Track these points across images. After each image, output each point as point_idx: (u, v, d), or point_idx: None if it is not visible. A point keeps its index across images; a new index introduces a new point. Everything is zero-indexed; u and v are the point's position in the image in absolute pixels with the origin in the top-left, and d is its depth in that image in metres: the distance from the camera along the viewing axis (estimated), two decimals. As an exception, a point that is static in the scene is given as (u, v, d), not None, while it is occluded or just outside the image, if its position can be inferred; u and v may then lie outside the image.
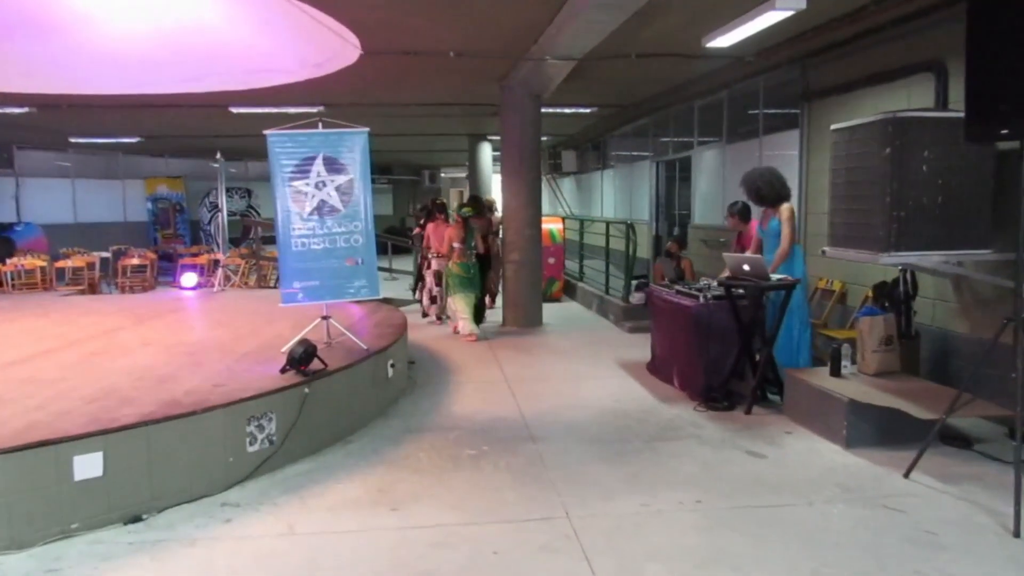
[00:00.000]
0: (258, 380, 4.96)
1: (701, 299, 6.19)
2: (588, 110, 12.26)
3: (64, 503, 3.83)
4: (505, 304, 9.93)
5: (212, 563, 3.57)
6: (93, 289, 11.33)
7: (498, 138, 15.98)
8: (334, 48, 7.80)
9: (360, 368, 5.61)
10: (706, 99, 10.46)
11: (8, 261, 11.56)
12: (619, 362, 7.80)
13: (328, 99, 10.75)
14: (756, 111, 9.19)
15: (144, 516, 4.04)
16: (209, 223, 17.26)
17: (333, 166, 5.84)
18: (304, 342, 5.19)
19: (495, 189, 17.01)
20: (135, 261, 11.80)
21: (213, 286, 10.57)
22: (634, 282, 9.76)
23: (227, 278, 10.95)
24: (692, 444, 5.20)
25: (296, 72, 8.76)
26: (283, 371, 5.10)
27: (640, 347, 8.22)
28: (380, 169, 20.93)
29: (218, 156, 10.06)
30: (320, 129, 5.84)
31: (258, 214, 18.23)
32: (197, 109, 11.28)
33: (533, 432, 5.50)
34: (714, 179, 10.40)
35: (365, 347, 5.85)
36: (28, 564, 3.55)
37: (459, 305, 8.98)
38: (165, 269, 14.04)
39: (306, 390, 4.97)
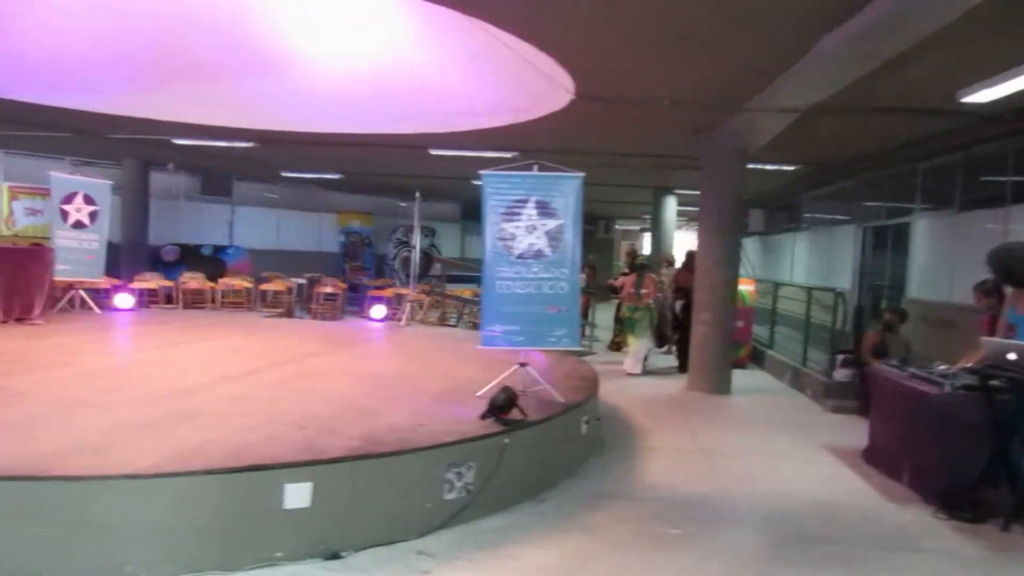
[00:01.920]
0: (457, 424, 4.79)
1: (947, 387, 5.36)
2: (790, 168, 11.53)
3: (271, 531, 3.77)
4: (692, 367, 9.34)
5: (410, 620, 3.34)
6: (288, 313, 11.96)
7: (684, 192, 15.63)
8: (541, 92, 7.75)
9: (556, 422, 5.32)
10: (934, 161, 9.47)
11: (220, 280, 12.50)
12: (825, 445, 6.98)
13: (520, 145, 10.81)
14: (999, 177, 8.17)
15: (343, 554, 3.91)
16: (394, 258, 18.02)
17: (545, 210, 5.68)
18: (506, 389, 4.98)
19: (678, 243, 16.52)
20: (328, 289, 12.37)
21: (399, 319, 10.81)
22: (839, 357, 8.85)
23: (412, 313, 11.18)
24: (937, 560, 4.40)
25: (499, 116, 8.83)
26: (483, 417, 4.90)
27: (846, 430, 7.43)
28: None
29: (417, 196, 10.36)
30: (535, 172, 5.71)
31: (439, 252, 18.80)
32: (397, 149, 11.74)
33: (739, 517, 4.92)
34: (939, 250, 9.34)
35: (562, 400, 5.55)
36: (237, 591, 3.49)
37: (628, 341, 10.43)
38: (350, 299, 14.63)
39: (506, 440, 4.73)
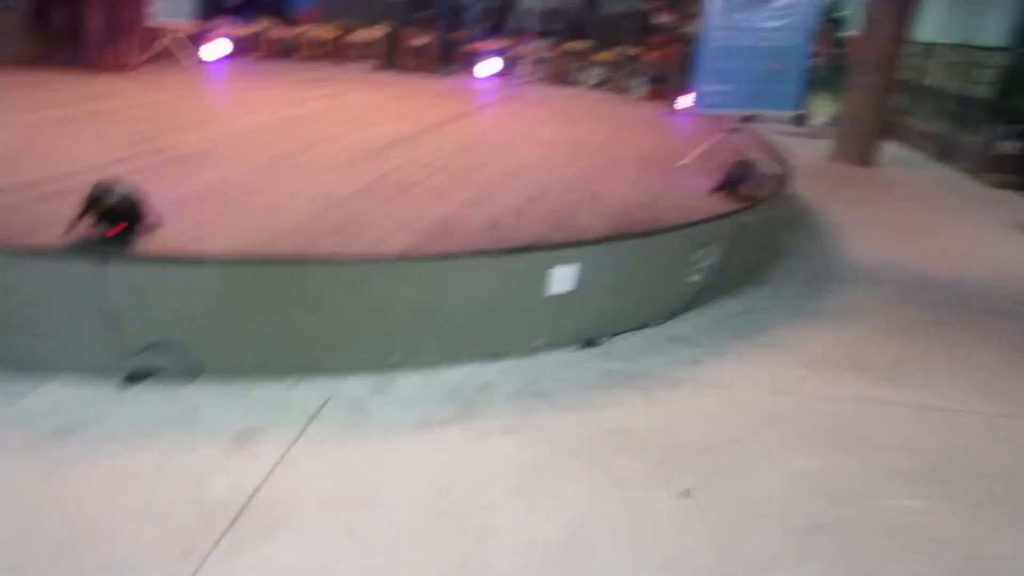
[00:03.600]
0: (687, 198, 4.29)
1: None
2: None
3: (535, 316, 3.45)
4: (842, 135, 8.58)
5: (707, 412, 3.10)
6: (382, 66, 11.05)
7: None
8: None
9: (779, 200, 4.80)
10: None
11: (300, 28, 11.44)
12: (1012, 223, 6.47)
13: None
14: None
15: (600, 340, 3.63)
16: (472, 7, 16.40)
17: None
18: (743, 163, 4.41)
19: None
20: (421, 41, 11.31)
21: (518, 76, 9.91)
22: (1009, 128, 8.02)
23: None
24: None
25: None
26: (715, 191, 4.39)
27: (1018, 206, 7.09)
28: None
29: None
30: None
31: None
32: None
33: (977, 300, 4.57)
34: None
35: (780, 171, 4.98)
36: (509, 378, 3.23)
37: None
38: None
39: (747, 218, 4.25)
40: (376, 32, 11.75)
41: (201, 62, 8.83)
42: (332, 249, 3.08)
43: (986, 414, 3.22)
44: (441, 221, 3.53)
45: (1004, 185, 7.81)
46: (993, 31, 10.99)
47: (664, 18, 10.32)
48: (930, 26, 12.91)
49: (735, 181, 4.31)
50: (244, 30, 10.95)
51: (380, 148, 5.01)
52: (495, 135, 5.85)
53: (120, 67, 7.38)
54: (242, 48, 10.87)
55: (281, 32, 11.28)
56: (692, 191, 4.46)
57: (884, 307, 4.36)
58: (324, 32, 11.21)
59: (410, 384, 3.11)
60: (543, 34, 10.43)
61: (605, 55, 11.87)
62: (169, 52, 8.52)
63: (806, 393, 3.32)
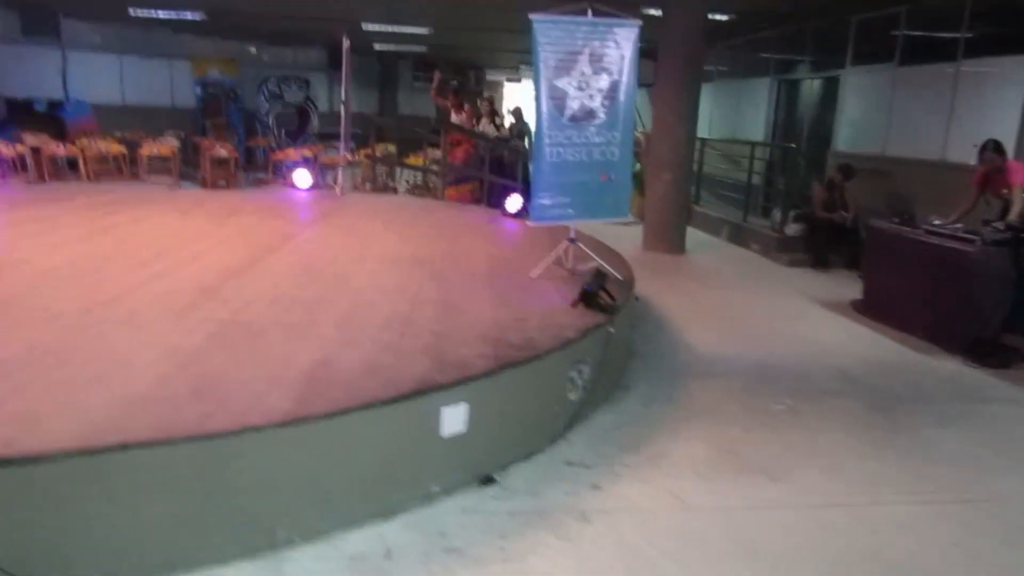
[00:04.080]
0: (552, 314, 4.28)
1: (979, 243, 5.57)
2: (724, 17, 11.16)
3: (428, 462, 3.20)
4: (650, 226, 9.21)
5: (626, 543, 2.99)
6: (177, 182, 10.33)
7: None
8: None
9: (629, 305, 4.95)
10: (872, 13, 9.51)
11: (79, 142, 10.44)
12: (814, 299, 7.21)
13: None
14: (944, 34, 8.39)
15: (495, 477, 3.43)
16: (267, 113, 15.96)
17: (599, 64, 4.99)
18: (597, 273, 4.50)
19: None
20: (222, 153, 10.74)
21: (333, 187, 9.63)
22: (792, 212, 9.07)
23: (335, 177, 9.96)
24: (1014, 408, 4.69)
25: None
26: (574, 305, 4.42)
27: (816, 283, 7.93)
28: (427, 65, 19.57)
29: (345, 41, 8.88)
30: (590, 16, 4.95)
31: (316, 107, 16.89)
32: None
33: (817, 384, 4.94)
34: (874, 105, 9.61)
35: (620, 277, 5.16)
36: (413, 537, 2.93)
37: None
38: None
39: (611, 329, 4.31)
40: (168, 144, 11.02)
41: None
42: (198, 422, 2.64)
43: (871, 503, 3.40)
44: (313, 370, 3.20)
45: (794, 263, 8.74)
46: (752, 128, 12.57)
47: (456, 118, 10.62)
48: (703, 123, 14.49)
49: (592, 292, 4.37)
50: (11, 150, 9.78)
51: (214, 284, 4.54)
52: (337, 255, 5.54)
53: None
54: (11, 169, 9.70)
55: (57, 149, 10.21)
56: (552, 305, 4.46)
57: (740, 402, 4.57)
58: (110, 146, 10.30)
59: (305, 561, 2.72)
60: (341, 138, 10.28)
61: (414, 159, 12.03)
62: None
63: (707, 506, 3.33)
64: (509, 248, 6.31)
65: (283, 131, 15.73)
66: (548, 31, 4.86)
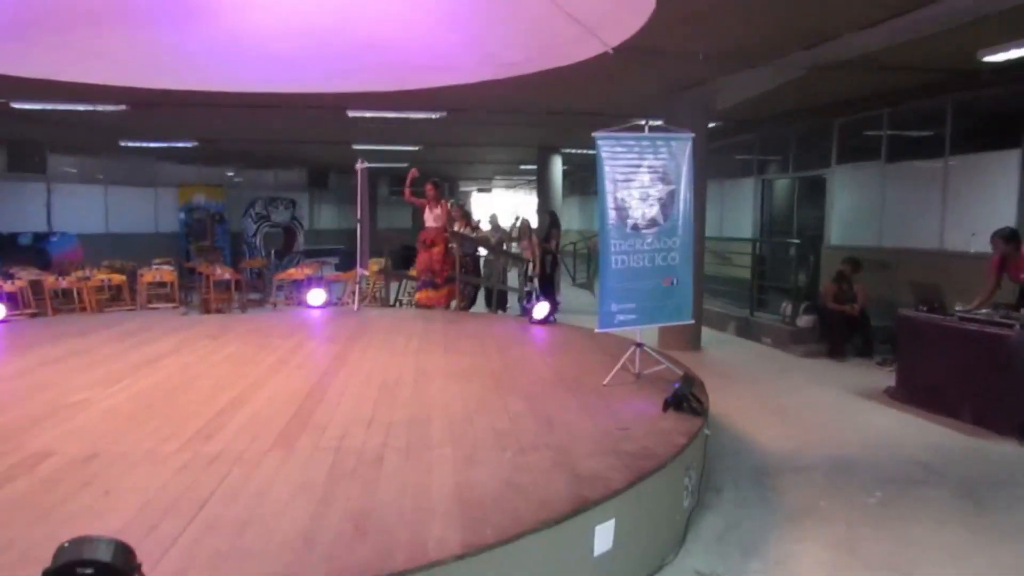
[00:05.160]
0: (650, 420, 4.28)
1: (1017, 327, 5.81)
2: (711, 124, 11.77)
3: (577, 586, 3.09)
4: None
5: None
6: (181, 307, 10.19)
7: (570, 151, 15.51)
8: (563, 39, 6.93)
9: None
10: (854, 116, 10.19)
11: (76, 273, 10.26)
12: (845, 389, 7.33)
13: (451, 103, 10.02)
14: (930, 131, 9.00)
15: (638, 593, 3.33)
16: (254, 235, 16.01)
17: (657, 175, 5.21)
18: (687, 377, 4.54)
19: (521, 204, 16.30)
20: (225, 276, 10.67)
21: (348, 303, 9.58)
22: (803, 305, 9.35)
23: (353, 294, 9.92)
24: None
25: (480, 71, 7.99)
26: (665, 409, 4.43)
27: (842, 374, 8.07)
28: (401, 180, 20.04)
29: (360, 162, 9.07)
30: (647, 132, 5.21)
31: (302, 226, 17.03)
32: (302, 111, 10.37)
33: (890, 473, 4.99)
34: (866, 200, 10.14)
35: (680, 372, 5.20)
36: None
37: None
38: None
39: (707, 431, 4.32)
40: (168, 271, 10.92)
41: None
42: (379, 561, 2.53)
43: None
44: (459, 495, 3.11)
45: (809, 355, 8.92)
46: (738, 226, 13.08)
47: (431, 215, 10.21)
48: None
49: (684, 395, 4.40)
50: (12, 285, 9.55)
51: (297, 410, 4.42)
52: (400, 373, 5.44)
53: None
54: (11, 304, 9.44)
55: (58, 282, 10.01)
56: (643, 411, 4.46)
57: (831, 497, 4.57)
58: (111, 276, 10.15)
59: None
60: (357, 254, 10.23)
61: (412, 271, 12.09)
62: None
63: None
64: (561, 355, 6.31)
65: (272, 251, 15.75)
66: (610, 147, 5.09)
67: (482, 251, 11.75)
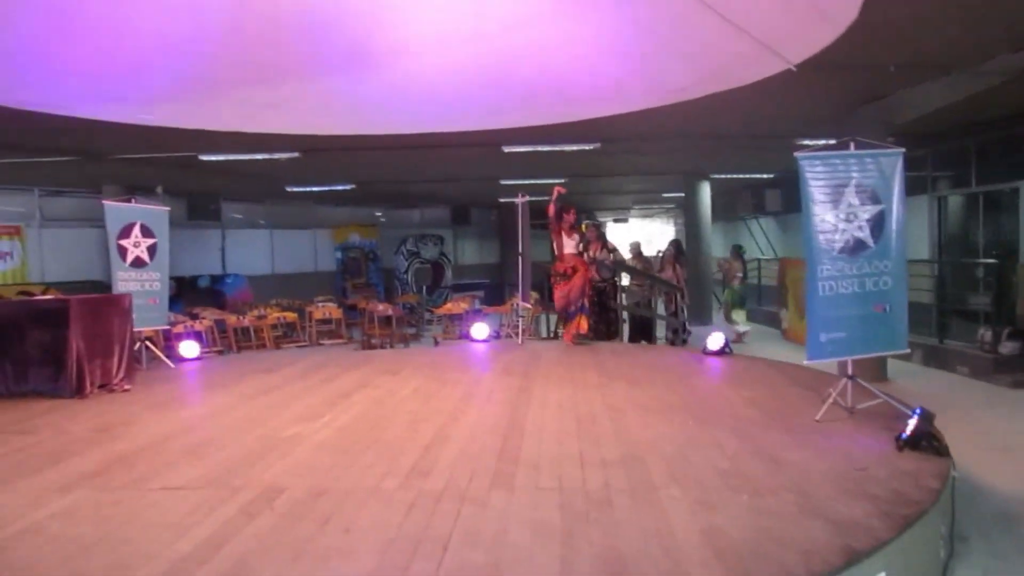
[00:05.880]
0: (887, 460, 3.91)
1: None
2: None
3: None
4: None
5: None
6: (349, 342, 10.60)
7: (720, 176, 15.03)
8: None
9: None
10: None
11: (253, 312, 10.92)
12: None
13: (609, 134, 9.92)
14: None
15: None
16: (406, 271, 16.59)
17: (866, 194, 4.85)
18: (926, 413, 4.12)
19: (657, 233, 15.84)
20: (387, 312, 11.04)
21: (511, 336, 9.62)
22: (1006, 330, 8.49)
23: (513, 327, 9.95)
24: None
25: (646, 98, 7.85)
26: (901, 448, 4.03)
27: None
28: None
29: (520, 196, 9.19)
30: (852, 150, 4.87)
31: (450, 261, 17.49)
32: (456, 149, 10.61)
33: None
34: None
35: (911, 411, 4.73)
36: None
37: None
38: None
39: (955, 473, 3.89)
40: (333, 307, 11.41)
41: (174, 364, 8.02)
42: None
43: None
44: (712, 543, 2.90)
45: (1018, 385, 8.05)
46: (910, 246, 12.10)
47: (568, 242, 9.71)
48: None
49: (925, 433, 3.99)
50: (201, 324, 10.26)
51: (506, 447, 4.34)
52: (592, 409, 5.22)
53: (108, 382, 6.49)
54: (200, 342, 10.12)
55: (241, 321, 10.67)
56: (874, 449, 4.09)
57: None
58: (285, 314, 10.72)
59: None
60: (519, 287, 10.14)
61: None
62: (138, 360, 7.68)
63: None
64: (752, 388, 5.94)
65: (423, 286, 16.21)
66: (813, 167, 4.80)
67: (624, 279, 11.46)
